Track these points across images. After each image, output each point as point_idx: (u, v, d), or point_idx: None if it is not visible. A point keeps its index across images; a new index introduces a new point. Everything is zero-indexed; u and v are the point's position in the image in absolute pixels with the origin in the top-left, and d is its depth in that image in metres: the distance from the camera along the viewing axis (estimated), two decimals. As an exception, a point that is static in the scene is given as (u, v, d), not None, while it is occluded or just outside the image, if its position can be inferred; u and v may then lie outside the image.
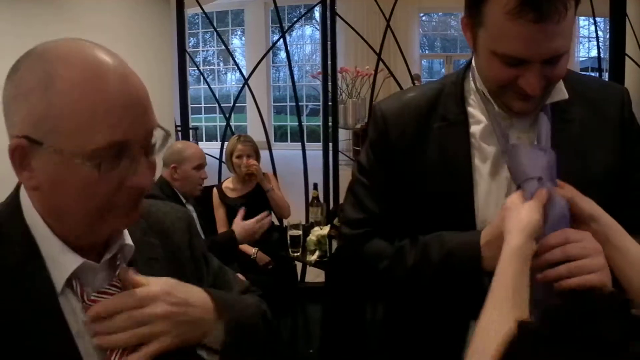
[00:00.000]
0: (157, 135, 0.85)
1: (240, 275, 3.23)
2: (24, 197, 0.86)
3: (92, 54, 0.79)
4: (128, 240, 0.92)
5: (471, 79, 1.18)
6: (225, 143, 3.99)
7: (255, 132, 4.43)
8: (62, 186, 0.79)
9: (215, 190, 3.70)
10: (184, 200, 3.07)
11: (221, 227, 3.64)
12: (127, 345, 0.83)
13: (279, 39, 5.63)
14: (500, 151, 1.13)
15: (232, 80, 14.04)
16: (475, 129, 1.16)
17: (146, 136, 0.82)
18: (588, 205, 1.03)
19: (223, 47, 11.74)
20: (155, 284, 0.88)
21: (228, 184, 3.74)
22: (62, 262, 0.83)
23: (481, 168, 1.15)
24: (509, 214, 1.00)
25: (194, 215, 3.07)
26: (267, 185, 3.62)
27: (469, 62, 1.20)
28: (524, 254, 0.94)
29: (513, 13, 0.96)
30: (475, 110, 1.17)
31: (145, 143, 0.82)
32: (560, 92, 1.12)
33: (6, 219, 0.85)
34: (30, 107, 0.76)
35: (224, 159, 3.92)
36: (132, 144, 0.79)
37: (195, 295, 0.92)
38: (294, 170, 4.52)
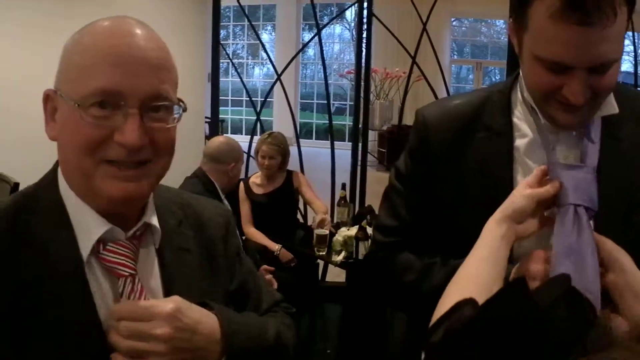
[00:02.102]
0: (177, 109, 0.87)
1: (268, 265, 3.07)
2: (60, 171, 0.89)
3: (119, 20, 0.85)
4: (154, 221, 0.93)
5: (519, 89, 1.14)
6: (256, 137, 3.99)
7: (282, 128, 4.42)
8: (64, 132, 0.84)
9: (242, 184, 3.69)
10: (223, 196, 3.09)
11: (245, 223, 3.63)
12: (125, 351, 0.83)
13: (313, 37, 5.63)
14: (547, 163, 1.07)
15: (259, 75, 14.07)
16: (520, 142, 1.12)
17: (146, 97, 0.82)
18: (616, 251, 0.94)
19: (252, 41, 11.75)
20: (169, 302, 0.86)
21: (255, 180, 3.73)
22: (90, 228, 0.86)
23: None
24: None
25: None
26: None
27: (517, 72, 1.16)
28: (500, 228, 0.96)
29: (557, 15, 0.92)
30: (521, 123, 1.13)
31: (145, 104, 0.82)
32: (610, 106, 1.05)
33: (43, 189, 0.89)
34: (61, 65, 0.85)
35: (252, 153, 3.92)
36: (127, 99, 0.81)
37: (205, 322, 0.89)
38: (319, 168, 4.50)
